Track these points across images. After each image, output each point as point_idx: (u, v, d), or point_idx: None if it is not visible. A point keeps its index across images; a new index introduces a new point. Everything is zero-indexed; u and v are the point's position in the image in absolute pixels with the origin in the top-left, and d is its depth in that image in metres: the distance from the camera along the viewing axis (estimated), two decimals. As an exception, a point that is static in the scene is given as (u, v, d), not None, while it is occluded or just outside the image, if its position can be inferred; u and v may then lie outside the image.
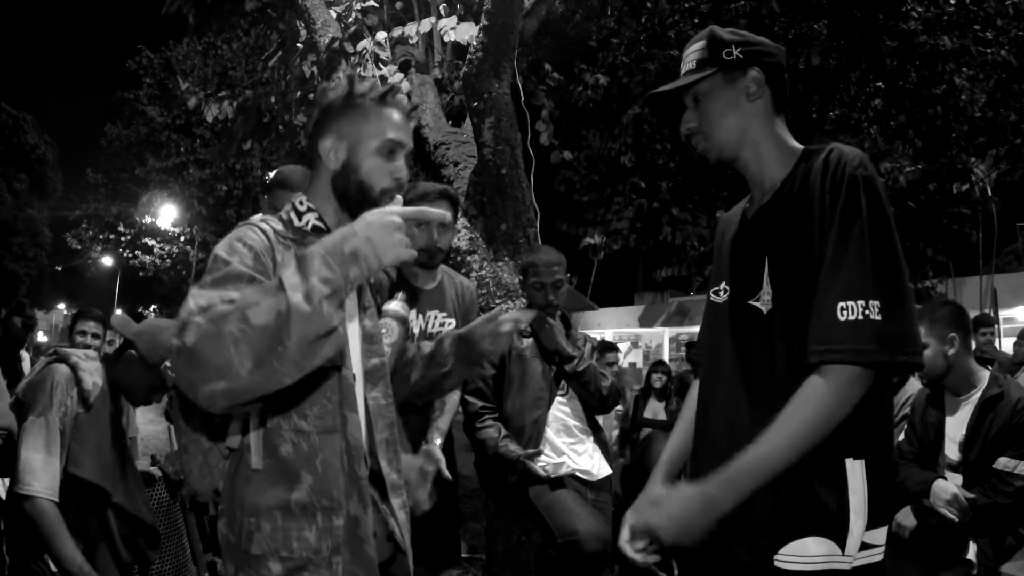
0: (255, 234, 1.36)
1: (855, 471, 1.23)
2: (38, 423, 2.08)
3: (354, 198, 1.43)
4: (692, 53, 1.41)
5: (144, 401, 2.36)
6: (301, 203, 1.46)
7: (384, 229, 1.18)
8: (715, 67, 1.36)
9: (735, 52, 1.37)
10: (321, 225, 1.44)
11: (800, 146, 1.39)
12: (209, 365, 1.10)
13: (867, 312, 1.16)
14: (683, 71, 1.41)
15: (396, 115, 1.46)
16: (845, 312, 1.17)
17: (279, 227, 1.42)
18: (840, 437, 1.23)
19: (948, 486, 2.44)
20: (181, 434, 1.53)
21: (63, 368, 2.17)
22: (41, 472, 2.04)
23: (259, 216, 1.48)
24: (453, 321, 2.57)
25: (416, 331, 2.52)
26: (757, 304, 1.33)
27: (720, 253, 1.52)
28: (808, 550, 1.21)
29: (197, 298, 1.18)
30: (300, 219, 1.44)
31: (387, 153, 1.43)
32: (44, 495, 2.03)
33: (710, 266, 1.67)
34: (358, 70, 4.61)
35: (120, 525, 2.19)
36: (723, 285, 1.45)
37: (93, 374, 2.21)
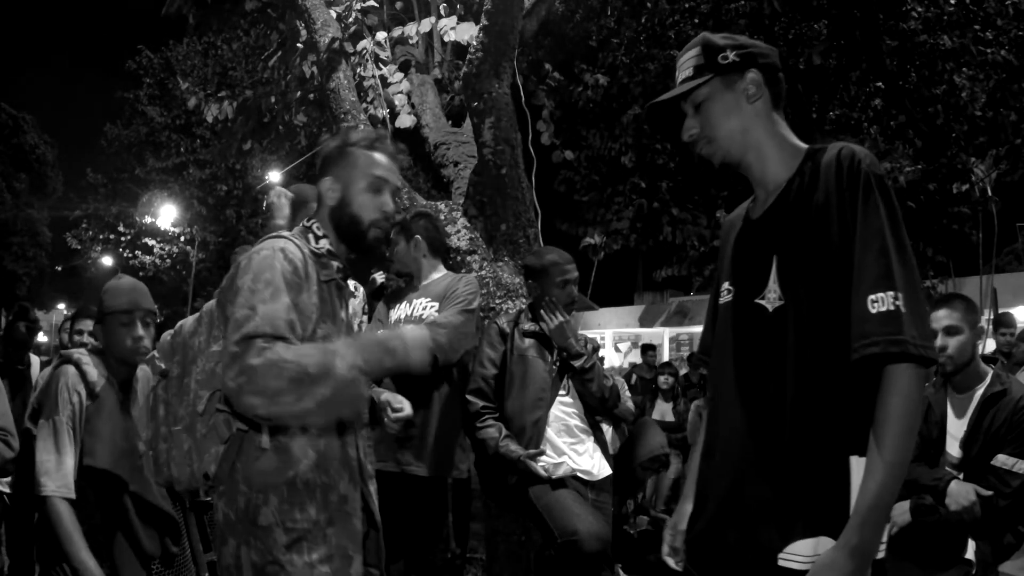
0: (294, 248, 1.63)
1: (859, 469, 1.23)
2: (47, 426, 2.17)
3: (347, 229, 1.71)
4: (688, 60, 1.41)
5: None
6: (318, 228, 1.73)
7: (421, 345, 1.55)
8: (712, 72, 1.37)
9: (730, 56, 1.38)
10: (332, 250, 1.72)
11: (803, 145, 1.40)
12: (265, 387, 1.40)
13: (897, 303, 1.20)
14: (680, 79, 1.42)
15: (382, 158, 1.74)
16: (876, 304, 1.21)
17: (304, 246, 1.67)
18: (845, 435, 1.25)
19: (967, 488, 2.39)
20: (162, 423, 1.71)
21: (69, 369, 2.24)
22: (54, 472, 2.11)
23: (286, 233, 1.72)
24: (437, 304, 2.89)
25: (403, 316, 2.92)
26: (763, 302, 1.34)
27: (723, 256, 1.53)
28: (810, 550, 1.23)
29: (262, 316, 1.47)
30: (317, 243, 1.71)
31: (375, 190, 1.71)
32: (58, 494, 2.10)
33: (711, 266, 1.68)
34: (358, 70, 4.61)
35: (139, 515, 2.23)
36: (726, 286, 1.46)
37: (97, 366, 2.28)
